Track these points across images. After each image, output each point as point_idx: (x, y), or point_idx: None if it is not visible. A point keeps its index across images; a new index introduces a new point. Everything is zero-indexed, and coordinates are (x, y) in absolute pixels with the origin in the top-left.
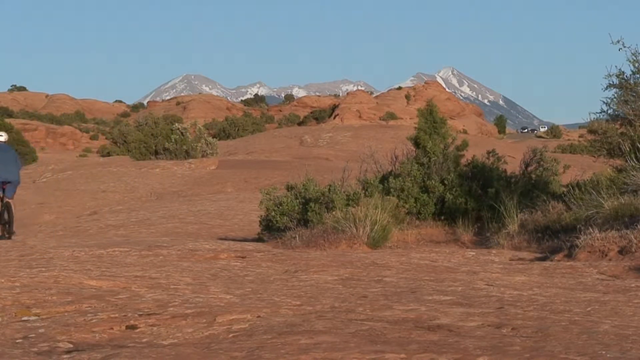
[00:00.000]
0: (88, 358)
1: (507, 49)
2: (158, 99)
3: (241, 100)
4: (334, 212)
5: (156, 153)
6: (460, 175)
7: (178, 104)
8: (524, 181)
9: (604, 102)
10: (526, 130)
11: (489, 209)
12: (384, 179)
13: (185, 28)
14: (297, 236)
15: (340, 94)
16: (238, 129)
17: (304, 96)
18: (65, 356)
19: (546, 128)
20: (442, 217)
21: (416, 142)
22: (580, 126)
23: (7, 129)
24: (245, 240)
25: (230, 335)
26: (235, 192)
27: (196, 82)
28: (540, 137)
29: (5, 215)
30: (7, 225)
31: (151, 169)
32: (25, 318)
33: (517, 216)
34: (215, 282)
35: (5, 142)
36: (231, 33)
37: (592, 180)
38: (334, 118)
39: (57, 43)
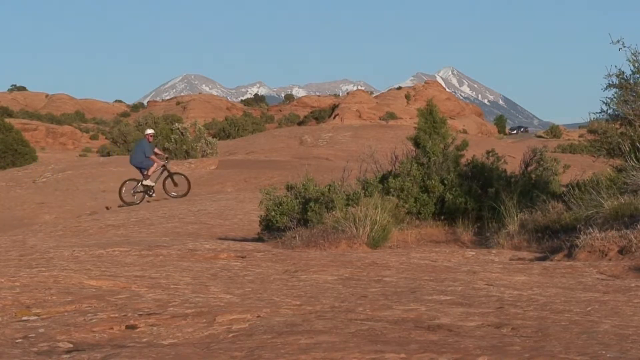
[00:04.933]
0: (88, 358)
1: (507, 49)
2: (158, 98)
3: (241, 100)
4: (334, 212)
5: None
6: (460, 175)
7: (178, 103)
8: (524, 181)
9: (603, 102)
10: (515, 131)
11: (489, 209)
12: (383, 179)
13: (185, 28)
14: (297, 236)
15: (340, 94)
16: (238, 129)
17: (304, 96)
18: (65, 356)
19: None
20: (442, 217)
21: (416, 142)
22: (580, 126)
23: (7, 129)
24: (245, 240)
25: (230, 335)
26: (235, 192)
27: (196, 82)
28: (540, 137)
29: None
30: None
31: None
32: (25, 318)
33: (517, 216)
34: (215, 282)
35: (145, 136)
36: (231, 33)
37: (592, 180)
38: (334, 118)
39: (57, 43)
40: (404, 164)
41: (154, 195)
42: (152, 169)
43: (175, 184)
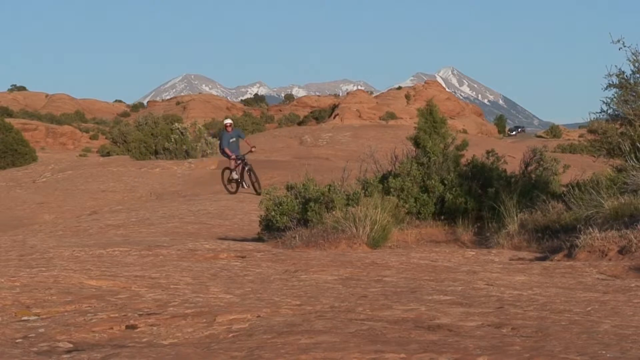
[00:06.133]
0: (88, 358)
1: (507, 49)
2: (158, 98)
3: (241, 100)
4: (334, 212)
5: (156, 153)
6: (460, 175)
7: (178, 103)
8: (524, 181)
9: (603, 102)
10: (515, 133)
11: (489, 209)
12: (383, 179)
13: (185, 28)
14: (297, 236)
15: (340, 94)
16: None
17: (304, 96)
18: (65, 356)
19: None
20: (442, 217)
21: (416, 142)
22: (580, 126)
23: (7, 129)
24: (245, 240)
25: (230, 335)
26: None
27: (196, 82)
28: (540, 137)
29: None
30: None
31: (151, 169)
32: (25, 318)
33: (517, 216)
34: (215, 281)
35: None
36: (231, 33)
37: (592, 180)
38: (334, 118)
39: (57, 43)
40: (404, 164)
41: (245, 186)
42: (232, 163)
43: (253, 180)
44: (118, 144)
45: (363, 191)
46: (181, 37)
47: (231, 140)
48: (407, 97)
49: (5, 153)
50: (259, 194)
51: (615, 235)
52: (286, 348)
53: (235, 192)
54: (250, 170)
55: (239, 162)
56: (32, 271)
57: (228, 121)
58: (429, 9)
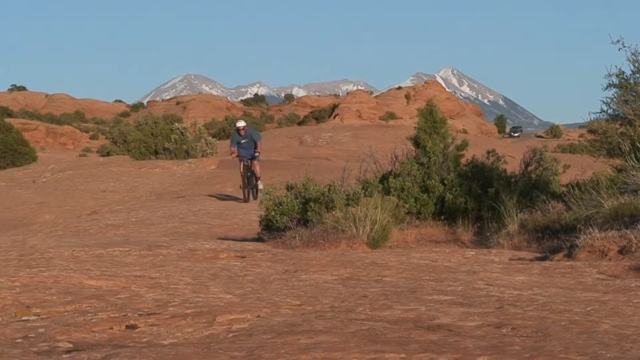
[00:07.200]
0: (88, 358)
1: (507, 49)
2: (158, 98)
3: (241, 100)
4: (333, 212)
5: (156, 153)
6: (460, 175)
7: (178, 103)
8: (524, 181)
9: (603, 102)
10: (517, 134)
11: (489, 209)
12: (383, 179)
13: (185, 28)
14: (297, 236)
15: (340, 94)
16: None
17: (304, 96)
18: (65, 356)
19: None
20: (442, 217)
21: (416, 142)
22: (580, 126)
23: (7, 129)
24: (245, 240)
25: (230, 335)
26: (235, 192)
27: (196, 82)
28: (540, 137)
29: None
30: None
31: (151, 169)
32: (25, 318)
33: (517, 216)
34: (215, 281)
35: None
36: (231, 33)
37: (592, 180)
38: (334, 118)
39: (57, 43)
40: (404, 164)
41: (258, 192)
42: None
43: (251, 184)
44: (118, 144)
45: (363, 191)
46: (181, 37)
47: (242, 142)
48: (407, 97)
49: (5, 153)
50: (255, 198)
51: (615, 235)
52: (286, 348)
53: (245, 200)
54: (250, 176)
55: (241, 162)
56: (32, 271)
57: (240, 124)
58: (428, 9)
